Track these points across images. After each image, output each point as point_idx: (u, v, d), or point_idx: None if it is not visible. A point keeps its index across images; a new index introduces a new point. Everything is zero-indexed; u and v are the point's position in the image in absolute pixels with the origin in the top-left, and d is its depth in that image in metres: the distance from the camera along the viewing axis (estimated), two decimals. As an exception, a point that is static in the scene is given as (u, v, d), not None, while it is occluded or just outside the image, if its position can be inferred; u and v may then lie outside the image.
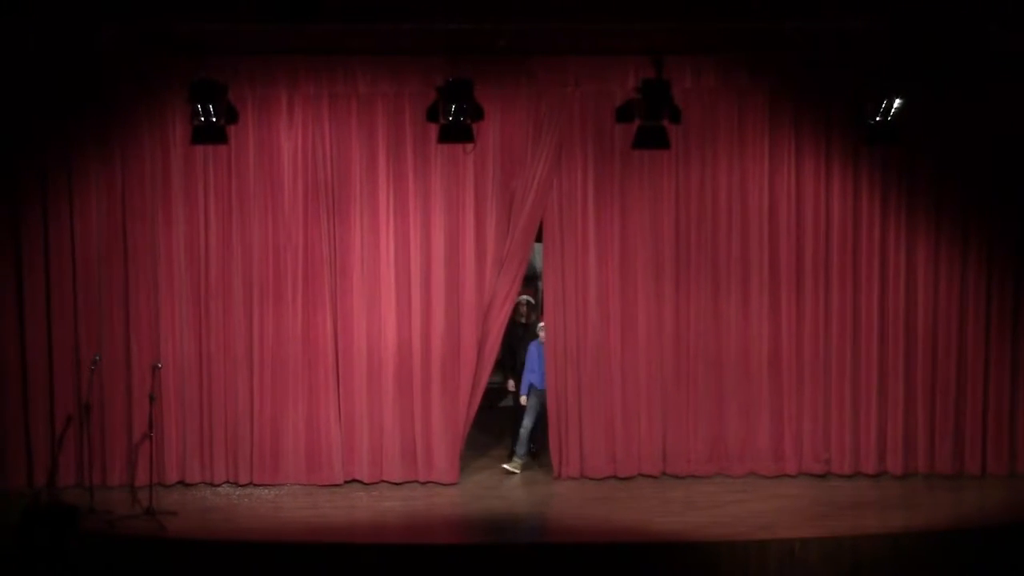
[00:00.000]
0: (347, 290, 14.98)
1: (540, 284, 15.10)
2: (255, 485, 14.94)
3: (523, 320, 14.97)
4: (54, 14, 12.82)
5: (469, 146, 14.42)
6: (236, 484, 14.97)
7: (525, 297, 14.75)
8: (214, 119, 13.51)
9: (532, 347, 15.42)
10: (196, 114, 13.48)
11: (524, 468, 15.34)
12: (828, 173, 15.14)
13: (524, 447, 15.43)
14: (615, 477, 15.07)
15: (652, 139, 13.81)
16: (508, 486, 14.93)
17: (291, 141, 14.86)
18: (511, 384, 14.85)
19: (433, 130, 14.08)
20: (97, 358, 14.30)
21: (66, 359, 14.80)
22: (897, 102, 13.67)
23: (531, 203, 14.90)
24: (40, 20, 13.02)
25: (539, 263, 16.03)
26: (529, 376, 15.41)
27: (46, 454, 14.68)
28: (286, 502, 14.38)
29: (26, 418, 14.81)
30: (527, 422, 15.33)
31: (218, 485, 14.97)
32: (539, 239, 15.27)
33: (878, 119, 13.84)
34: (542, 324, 15.05)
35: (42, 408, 14.81)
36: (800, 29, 13.36)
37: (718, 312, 15.15)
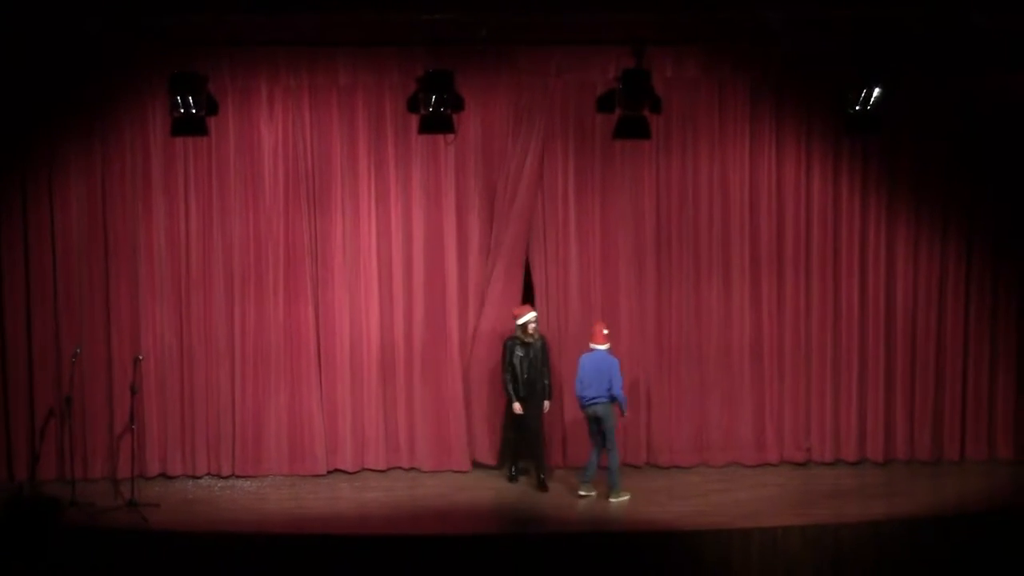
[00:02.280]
0: (329, 281, 14.99)
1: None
2: (237, 477, 14.94)
3: (530, 340, 14.48)
4: (35, 6, 12.76)
5: (450, 137, 14.42)
6: (218, 476, 14.97)
7: (533, 314, 14.40)
8: (194, 111, 13.46)
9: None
10: (176, 106, 13.43)
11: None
12: (809, 162, 15.22)
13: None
14: (598, 467, 15.09)
15: (633, 129, 13.83)
16: (493, 476, 14.93)
17: (272, 132, 14.84)
18: (517, 407, 14.41)
19: (414, 121, 14.07)
20: (78, 351, 14.25)
21: (47, 352, 14.76)
22: (877, 91, 13.70)
23: (512, 193, 14.92)
24: (20, 12, 12.96)
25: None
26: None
27: (27, 447, 14.63)
28: (269, 493, 14.39)
29: (6, 411, 14.78)
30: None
31: (200, 477, 14.96)
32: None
33: (858, 108, 13.86)
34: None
35: (22, 401, 14.77)
36: (781, 19, 13.37)
37: (699, 302, 15.21)
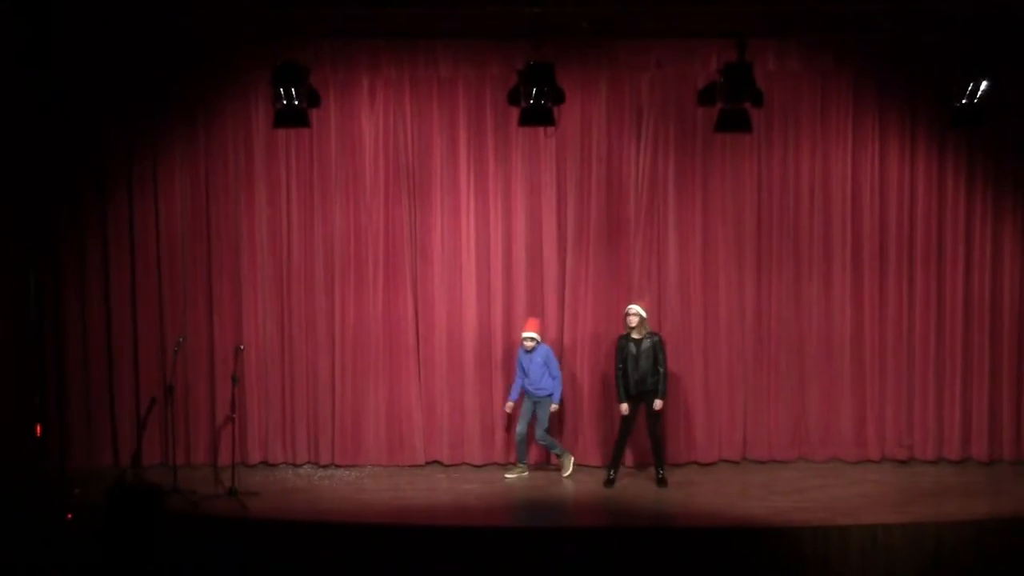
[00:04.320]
0: (428, 273, 15.06)
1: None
2: (336, 466, 15.09)
3: (634, 335, 14.50)
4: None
5: (550, 129, 14.43)
6: (318, 465, 15.13)
7: (635, 307, 14.36)
8: (296, 103, 13.60)
9: (521, 352, 14.58)
10: (279, 97, 13.59)
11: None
12: (913, 157, 15.01)
13: (522, 453, 14.79)
14: (696, 463, 15.02)
15: (734, 122, 13.76)
16: (591, 472, 14.84)
17: (372, 124, 14.94)
18: (624, 407, 14.29)
19: (514, 113, 14.08)
20: (181, 340, 14.45)
21: (151, 341, 15.03)
22: (984, 84, 13.48)
23: (612, 186, 14.89)
24: (125, 5, 13.15)
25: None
26: (523, 380, 14.59)
27: (131, 434, 14.87)
28: (367, 483, 14.47)
29: (112, 399, 15.08)
30: (519, 428, 14.67)
31: (300, 466, 15.13)
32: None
33: (964, 102, 13.65)
34: (526, 334, 14.41)
35: (128, 389, 15.07)
36: (885, 11, 13.21)
37: (800, 296, 15.06)
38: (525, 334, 14.40)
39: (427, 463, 15.17)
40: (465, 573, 11.95)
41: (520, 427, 14.61)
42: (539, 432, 14.54)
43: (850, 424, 15.07)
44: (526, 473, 14.65)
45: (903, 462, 15.02)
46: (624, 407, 14.14)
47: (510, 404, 14.71)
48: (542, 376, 14.42)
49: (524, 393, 14.57)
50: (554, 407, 14.51)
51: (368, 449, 15.15)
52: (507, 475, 14.66)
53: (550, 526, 12.91)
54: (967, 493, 13.80)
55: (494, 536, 12.36)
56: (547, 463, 14.97)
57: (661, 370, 14.13)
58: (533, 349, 14.38)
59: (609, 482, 14.28)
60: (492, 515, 13.25)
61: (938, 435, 15.09)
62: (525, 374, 14.46)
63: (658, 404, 14.17)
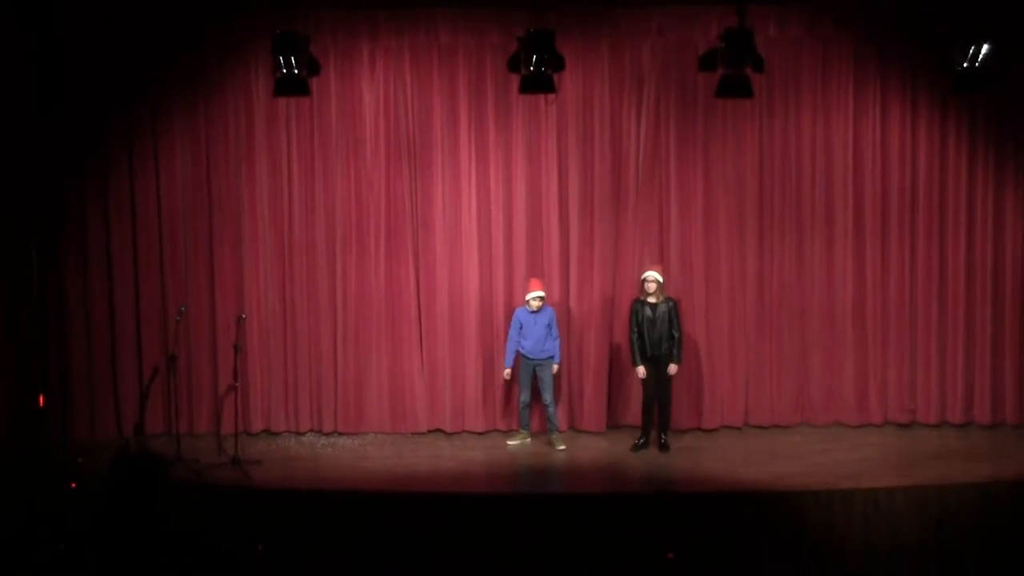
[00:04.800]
0: (429, 241, 15.05)
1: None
2: (339, 434, 15.13)
3: (651, 299, 14.22)
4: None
5: (551, 97, 14.39)
6: (321, 433, 15.17)
7: (653, 273, 14.26)
8: (296, 71, 13.55)
9: (523, 313, 14.44)
10: (278, 66, 13.54)
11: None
12: (914, 122, 14.98)
13: (525, 420, 14.74)
14: (699, 429, 15.03)
15: (735, 88, 13.70)
16: (593, 438, 14.90)
17: (373, 93, 14.91)
18: (641, 370, 14.27)
19: (514, 81, 14.04)
20: (183, 309, 14.44)
21: (153, 310, 15.03)
22: (985, 48, 13.44)
23: (613, 153, 14.88)
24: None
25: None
26: (522, 344, 14.46)
27: (134, 404, 14.88)
28: (370, 451, 14.50)
29: (114, 369, 15.09)
30: (524, 396, 14.61)
31: (303, 434, 15.16)
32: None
33: (966, 66, 13.61)
34: (534, 293, 14.32)
35: (130, 359, 15.07)
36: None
37: (802, 262, 15.05)
38: (532, 294, 14.30)
39: (430, 431, 15.18)
40: (468, 539, 11.93)
41: (524, 395, 14.58)
42: (548, 396, 14.47)
43: (852, 389, 15.09)
44: (528, 440, 14.66)
45: (905, 426, 15.04)
46: (641, 370, 14.15)
47: (508, 371, 14.68)
48: (545, 338, 14.36)
49: (521, 359, 14.49)
50: (556, 367, 14.51)
51: (371, 417, 15.17)
52: (509, 442, 14.66)
53: (553, 492, 12.95)
54: (970, 456, 13.80)
55: (497, 503, 12.38)
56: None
57: (676, 335, 14.14)
58: (539, 309, 14.30)
59: (637, 447, 14.29)
60: (494, 482, 13.32)
61: (940, 399, 15.10)
62: (524, 337, 14.38)
63: (672, 369, 14.19)
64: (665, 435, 14.27)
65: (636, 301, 14.26)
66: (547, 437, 14.60)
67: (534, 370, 14.44)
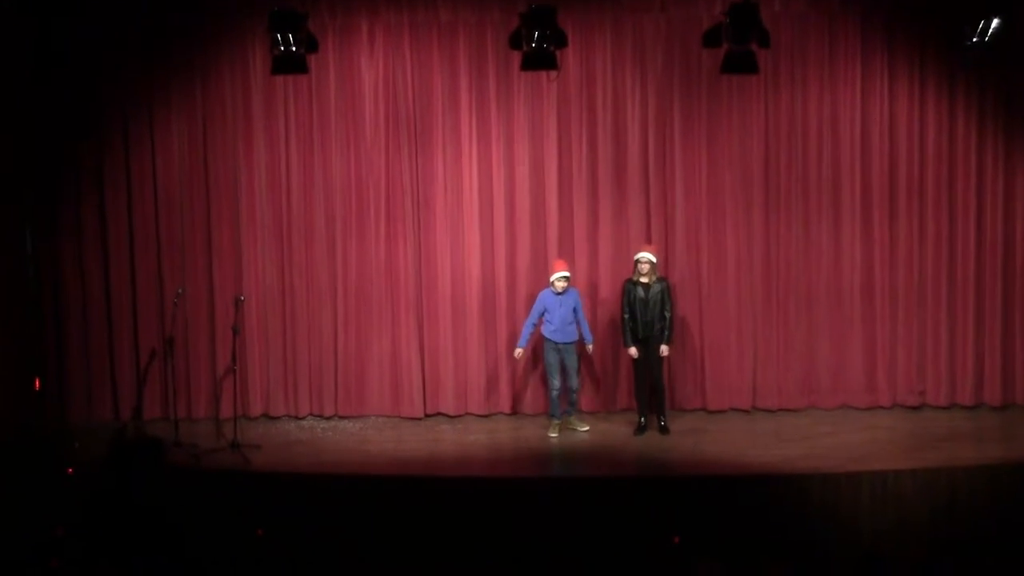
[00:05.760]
0: (430, 221, 14.88)
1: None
2: (340, 418, 14.99)
3: (644, 280, 14.14)
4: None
5: (553, 74, 14.23)
6: (321, 416, 15.03)
7: (646, 254, 14.03)
8: (294, 48, 13.48)
9: (548, 296, 14.05)
10: (276, 44, 13.49)
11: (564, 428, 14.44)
12: (922, 97, 14.73)
13: (557, 408, 14.28)
14: (704, 410, 14.86)
15: (740, 64, 13.64)
16: (599, 420, 14.71)
17: (372, 71, 14.73)
18: (633, 351, 14.10)
19: (516, 58, 13.95)
20: (180, 291, 14.32)
21: (150, 292, 14.90)
22: (995, 23, 13.26)
23: (616, 131, 14.69)
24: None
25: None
26: (546, 328, 14.10)
27: (131, 387, 14.81)
28: (371, 434, 14.37)
29: (111, 352, 14.99)
30: (556, 382, 14.17)
31: (302, 418, 15.01)
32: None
33: (975, 40, 13.43)
34: (559, 274, 13.97)
35: (127, 342, 14.97)
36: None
37: (809, 241, 14.83)
38: (557, 274, 13.95)
39: (431, 414, 15.04)
40: (469, 523, 11.85)
41: (555, 381, 14.17)
42: (575, 381, 14.21)
43: (860, 370, 14.88)
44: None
45: (915, 408, 14.84)
46: (633, 350, 13.97)
47: (520, 351, 14.32)
48: (570, 321, 14.03)
49: (545, 343, 14.13)
50: (590, 348, 14.27)
51: (371, 400, 15.02)
52: (551, 434, 14.20)
53: (555, 476, 12.82)
54: (980, 438, 13.66)
55: (498, 486, 12.29)
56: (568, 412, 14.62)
57: (668, 315, 13.92)
58: (565, 291, 13.98)
59: (640, 429, 14.11)
60: (497, 466, 13.17)
61: (950, 380, 14.89)
62: (549, 320, 14.03)
63: (664, 350, 13.99)
64: (663, 418, 14.11)
65: (628, 281, 14.06)
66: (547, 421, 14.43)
67: (559, 355, 14.12)
